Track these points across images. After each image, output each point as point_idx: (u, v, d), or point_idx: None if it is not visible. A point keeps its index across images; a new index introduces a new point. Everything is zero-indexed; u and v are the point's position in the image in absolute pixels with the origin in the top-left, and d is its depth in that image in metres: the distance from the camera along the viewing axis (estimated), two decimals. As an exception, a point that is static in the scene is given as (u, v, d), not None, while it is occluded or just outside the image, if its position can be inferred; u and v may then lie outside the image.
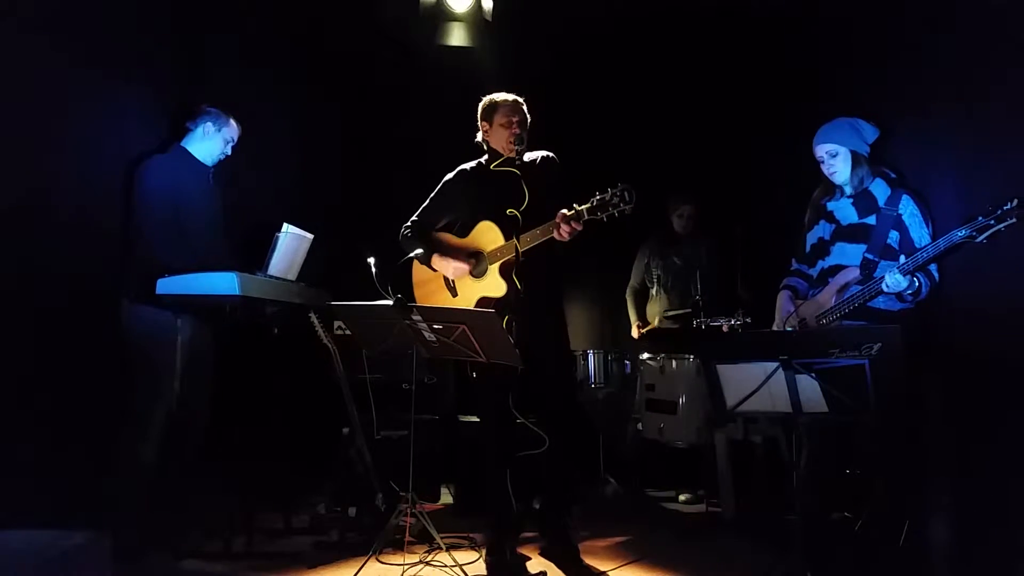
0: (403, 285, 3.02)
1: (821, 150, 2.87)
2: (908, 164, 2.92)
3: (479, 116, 3.20)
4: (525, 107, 3.14)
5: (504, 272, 2.96)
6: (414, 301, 3.11)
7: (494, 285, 2.99)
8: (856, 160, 2.82)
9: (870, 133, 2.84)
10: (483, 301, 3.02)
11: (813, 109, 2.96)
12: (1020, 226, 2.24)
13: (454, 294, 3.15)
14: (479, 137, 3.22)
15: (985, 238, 2.30)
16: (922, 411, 2.70)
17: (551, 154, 3.16)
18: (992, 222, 2.28)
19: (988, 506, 2.50)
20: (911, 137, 2.97)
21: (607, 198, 2.69)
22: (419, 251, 3.12)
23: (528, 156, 3.07)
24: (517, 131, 3.02)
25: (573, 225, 2.75)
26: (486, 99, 3.19)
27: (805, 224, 3.07)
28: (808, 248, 3.04)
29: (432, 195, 3.25)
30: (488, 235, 3.05)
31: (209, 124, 3.12)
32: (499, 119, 3.10)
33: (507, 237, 2.97)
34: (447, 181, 3.22)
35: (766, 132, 4.34)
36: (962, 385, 2.62)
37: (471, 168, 3.19)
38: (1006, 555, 2.39)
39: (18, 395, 2.48)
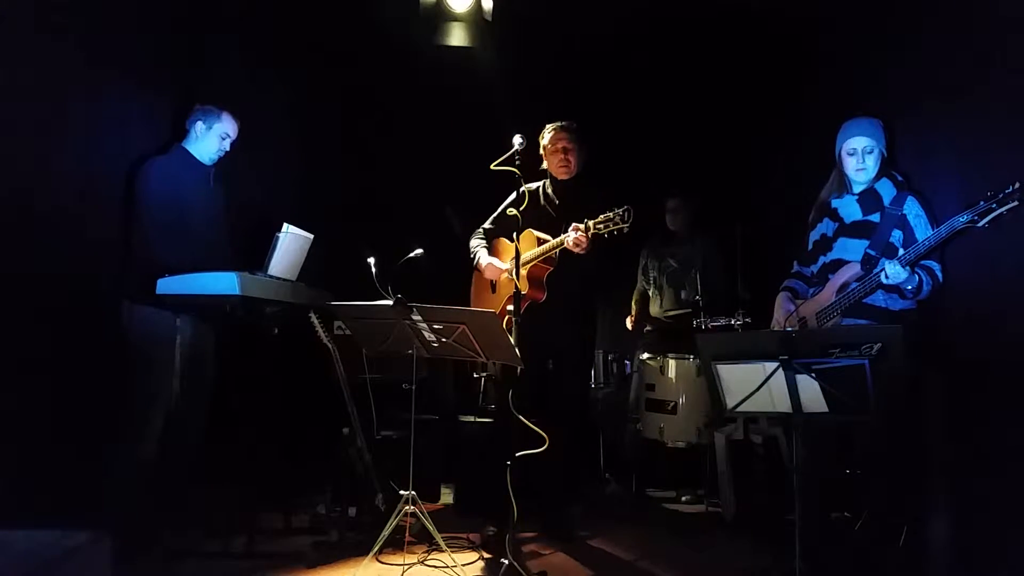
0: (411, 284, 3.02)
1: (857, 143, 2.75)
2: (906, 164, 2.92)
3: None
4: (565, 135, 3.43)
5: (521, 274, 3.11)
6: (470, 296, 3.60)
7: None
8: (883, 160, 2.78)
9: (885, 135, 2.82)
10: (509, 299, 3.23)
11: (813, 109, 2.95)
12: (1022, 210, 2.23)
13: (493, 291, 3.49)
14: None
15: (987, 222, 2.29)
16: (922, 411, 2.70)
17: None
18: (994, 205, 2.27)
19: (988, 506, 2.50)
20: (909, 137, 2.96)
21: (611, 216, 2.94)
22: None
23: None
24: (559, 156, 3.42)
25: (580, 235, 3.04)
26: None
27: (809, 224, 3.04)
28: (810, 246, 3.00)
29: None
30: (525, 242, 3.30)
31: (200, 123, 3.11)
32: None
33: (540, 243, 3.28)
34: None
35: (766, 131, 4.34)
36: (963, 385, 2.61)
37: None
38: (1006, 555, 2.39)
39: (18, 395, 2.47)
